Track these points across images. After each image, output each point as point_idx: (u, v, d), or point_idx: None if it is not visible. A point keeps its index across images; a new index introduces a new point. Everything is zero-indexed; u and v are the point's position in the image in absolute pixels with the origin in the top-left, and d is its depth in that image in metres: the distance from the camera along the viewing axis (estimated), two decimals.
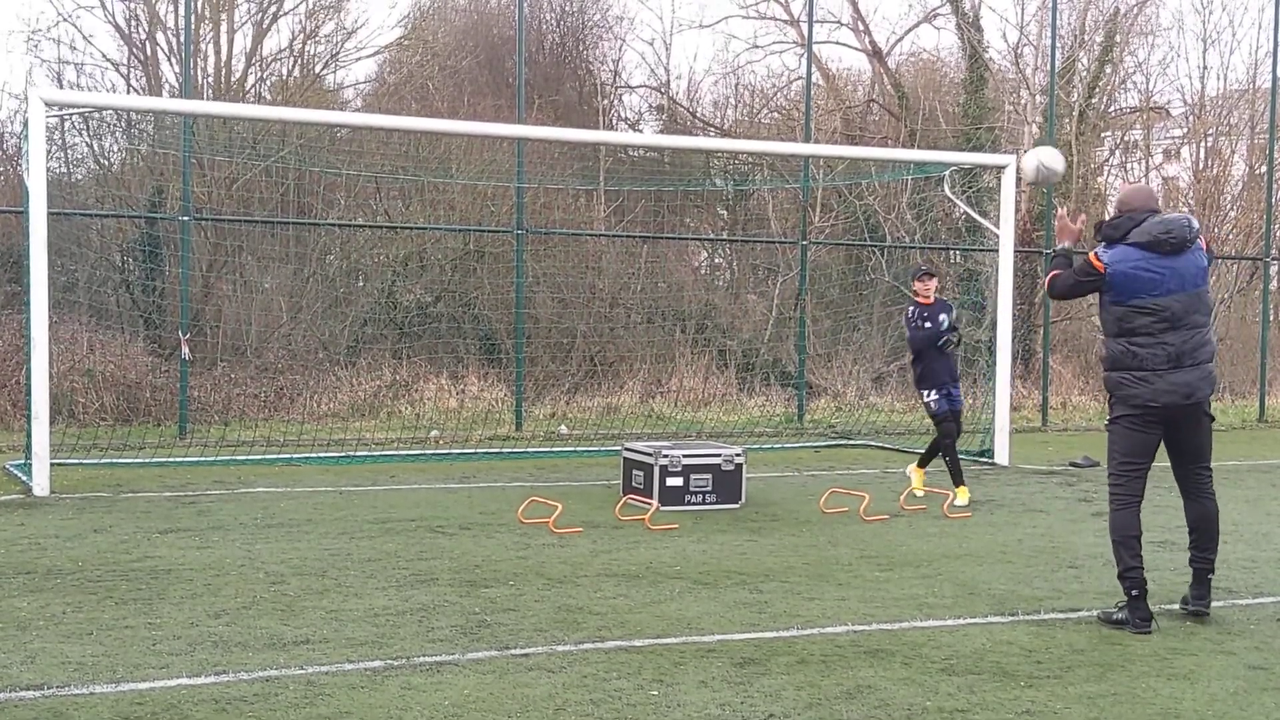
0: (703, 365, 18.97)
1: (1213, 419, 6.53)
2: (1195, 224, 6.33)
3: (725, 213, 24.01)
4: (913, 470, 11.09)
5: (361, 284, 19.81)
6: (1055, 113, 19.81)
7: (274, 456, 12.90)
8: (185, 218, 14.89)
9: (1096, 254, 6.36)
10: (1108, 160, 25.99)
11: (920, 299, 10.73)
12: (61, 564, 7.51)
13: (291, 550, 8.04)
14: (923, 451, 11.26)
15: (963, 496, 10.49)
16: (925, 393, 10.67)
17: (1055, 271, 6.64)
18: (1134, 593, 6.27)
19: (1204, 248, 6.36)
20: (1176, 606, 6.68)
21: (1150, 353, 6.21)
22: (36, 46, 22.62)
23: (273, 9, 21.59)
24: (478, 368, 17.84)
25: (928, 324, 10.59)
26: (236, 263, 18.35)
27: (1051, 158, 8.64)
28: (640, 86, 27.19)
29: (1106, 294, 6.33)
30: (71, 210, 17.35)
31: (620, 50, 26.82)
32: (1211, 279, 6.57)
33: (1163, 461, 6.55)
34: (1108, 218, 6.51)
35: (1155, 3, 28.97)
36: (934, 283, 10.76)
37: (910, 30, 26.51)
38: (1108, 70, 24.31)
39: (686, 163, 21.45)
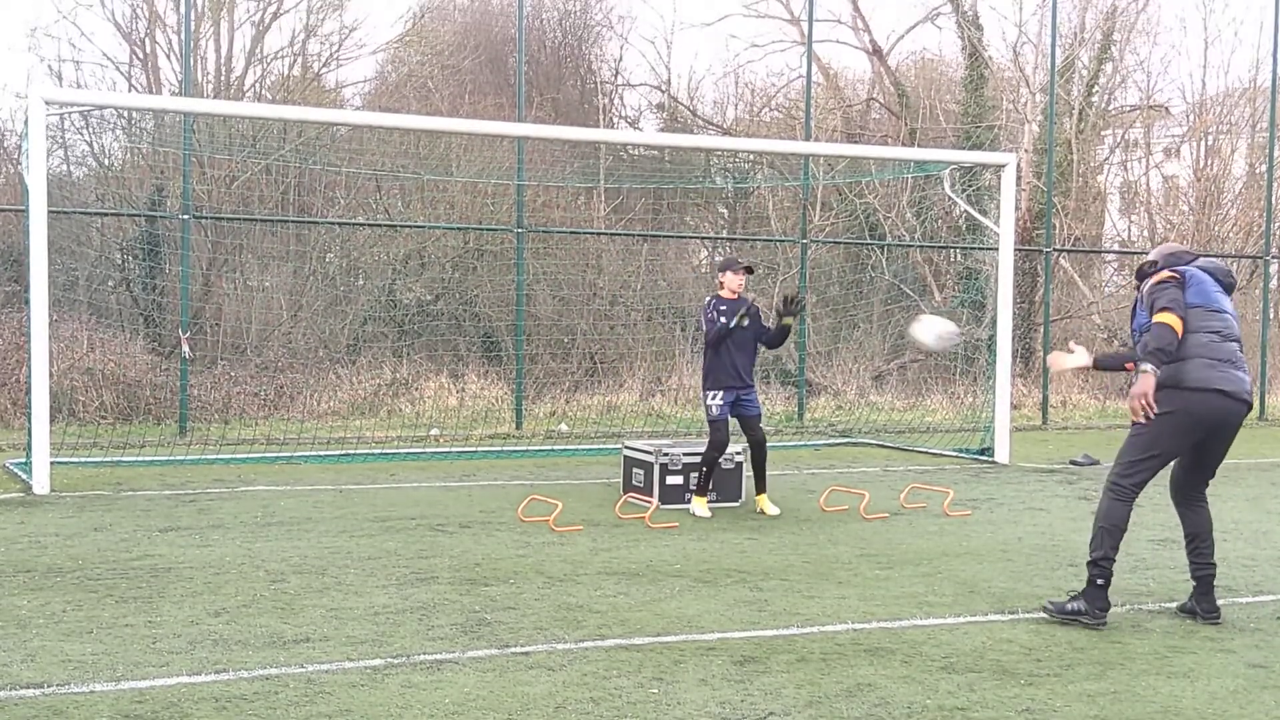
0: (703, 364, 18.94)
1: None
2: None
3: (725, 211, 23.99)
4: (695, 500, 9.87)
5: (361, 282, 19.81)
6: (1055, 111, 19.80)
7: (274, 455, 12.90)
8: (185, 216, 14.88)
9: (1165, 270, 6.40)
10: (1108, 159, 25.98)
11: (725, 291, 9.79)
12: (62, 562, 7.51)
13: (291, 548, 8.04)
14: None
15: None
16: (709, 394, 9.92)
17: (1145, 342, 6.21)
18: (1100, 581, 6.28)
19: None
20: (1175, 606, 6.68)
21: (1221, 349, 6.30)
22: (37, 45, 22.63)
23: (272, 8, 21.61)
24: (478, 366, 17.85)
25: (723, 318, 9.65)
26: (237, 261, 18.36)
27: (941, 326, 9.41)
28: (641, 85, 27.22)
29: (1185, 294, 6.31)
30: (72, 209, 17.35)
31: (621, 49, 26.86)
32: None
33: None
34: (1149, 258, 6.62)
35: (1155, 1, 28.99)
36: (743, 278, 9.83)
37: (911, 29, 26.55)
38: (1108, 68, 24.30)
39: (687, 161, 21.44)
